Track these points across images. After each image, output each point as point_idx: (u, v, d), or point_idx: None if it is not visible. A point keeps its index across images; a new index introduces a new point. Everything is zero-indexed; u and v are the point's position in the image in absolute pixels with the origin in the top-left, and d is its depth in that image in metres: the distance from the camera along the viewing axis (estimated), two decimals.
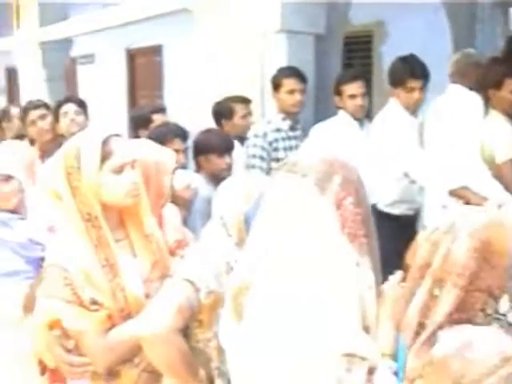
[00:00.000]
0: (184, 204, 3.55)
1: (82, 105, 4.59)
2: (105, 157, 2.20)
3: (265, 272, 1.72)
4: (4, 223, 3.03)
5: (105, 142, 2.21)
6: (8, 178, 3.03)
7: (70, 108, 4.52)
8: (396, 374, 1.67)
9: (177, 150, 3.75)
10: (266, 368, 1.67)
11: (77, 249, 2.19)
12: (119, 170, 2.23)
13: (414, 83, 4.17)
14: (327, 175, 1.76)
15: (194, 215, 3.72)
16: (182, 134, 3.94)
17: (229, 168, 3.93)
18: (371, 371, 1.64)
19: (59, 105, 4.58)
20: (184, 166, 3.93)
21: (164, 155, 2.64)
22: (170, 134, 3.84)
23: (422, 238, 1.72)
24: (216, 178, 3.92)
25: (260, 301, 1.71)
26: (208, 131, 4.21)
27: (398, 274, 1.89)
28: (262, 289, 1.72)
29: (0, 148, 3.33)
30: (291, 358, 1.63)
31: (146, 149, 2.59)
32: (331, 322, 1.62)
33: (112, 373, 2.24)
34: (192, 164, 4.26)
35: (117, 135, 2.29)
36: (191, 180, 3.80)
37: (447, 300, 1.58)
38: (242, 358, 1.76)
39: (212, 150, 3.93)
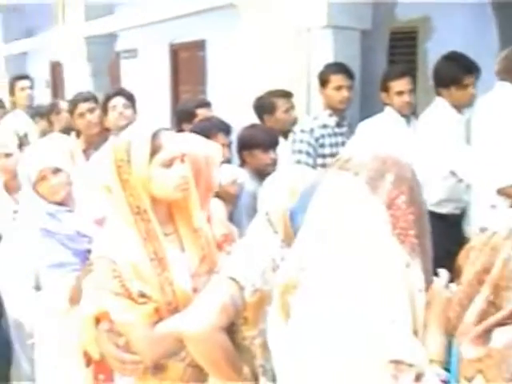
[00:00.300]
0: (230, 199, 3.54)
1: (130, 98, 4.56)
2: (154, 150, 2.21)
3: (313, 271, 1.70)
4: (52, 215, 3.06)
5: (155, 136, 2.22)
6: (56, 170, 3.05)
7: (119, 101, 4.49)
8: (445, 382, 1.63)
9: (221, 145, 3.76)
10: (311, 369, 1.65)
11: (126, 242, 2.20)
12: (169, 164, 2.23)
13: (469, 79, 4.11)
14: (379, 173, 1.73)
15: (240, 210, 3.71)
16: (226, 129, 3.94)
17: (274, 163, 3.91)
18: (418, 378, 1.60)
19: (108, 98, 4.56)
20: (228, 161, 3.93)
21: (212, 149, 2.63)
22: (213, 129, 3.85)
23: (478, 241, 1.67)
24: (260, 174, 3.91)
25: (308, 301, 1.69)
26: (253, 126, 4.20)
27: (444, 275, 1.85)
28: (309, 288, 1.69)
29: (47, 141, 3.36)
30: (337, 361, 1.60)
31: (195, 142, 2.59)
32: (379, 326, 1.59)
33: (158, 366, 2.25)
34: (235, 159, 4.25)
35: (166, 129, 2.30)
36: (238, 175, 3.79)
37: (507, 308, 1.53)
38: (288, 357, 1.74)
39: (257, 145, 3.92)
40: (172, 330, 2.12)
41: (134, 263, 2.17)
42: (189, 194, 2.31)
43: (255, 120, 4.74)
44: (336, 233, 1.70)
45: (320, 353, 1.62)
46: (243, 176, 3.86)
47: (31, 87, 6.20)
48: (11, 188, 3.81)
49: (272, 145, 3.95)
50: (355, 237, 1.66)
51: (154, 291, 2.19)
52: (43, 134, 5.02)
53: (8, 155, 3.80)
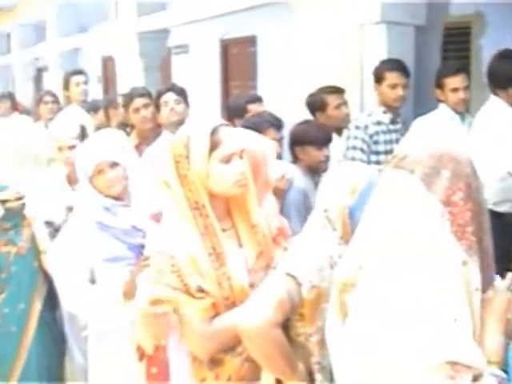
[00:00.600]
0: (278, 194, 3.55)
1: (182, 94, 4.58)
2: (213, 146, 2.22)
3: (371, 270, 1.69)
4: (107, 209, 3.10)
5: (214, 132, 2.23)
6: (113, 164, 3.08)
7: (171, 97, 4.51)
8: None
9: (271, 140, 3.76)
10: (369, 368, 1.65)
11: (184, 236, 2.21)
12: (227, 160, 2.24)
13: None
14: (435, 170, 1.72)
15: (288, 207, 3.71)
16: (277, 124, 3.95)
17: (326, 160, 3.90)
18: (476, 379, 1.58)
19: (159, 94, 4.59)
20: (279, 156, 3.93)
21: (268, 145, 2.64)
22: (265, 123, 3.87)
23: None
24: (313, 170, 3.91)
25: (366, 300, 1.68)
26: (306, 122, 4.19)
27: (510, 277, 1.83)
28: (368, 287, 1.69)
29: (104, 135, 3.40)
30: (394, 361, 1.59)
31: (253, 138, 2.59)
32: (439, 325, 1.57)
33: (215, 361, 2.25)
34: (286, 155, 4.25)
35: (225, 125, 2.30)
36: (286, 170, 3.79)
37: None
38: (345, 356, 1.74)
39: (310, 141, 3.91)
40: (229, 324, 2.14)
41: (192, 258, 2.18)
42: (247, 190, 2.31)
43: (306, 116, 4.72)
44: (393, 231, 1.69)
45: (377, 352, 1.62)
46: (294, 172, 3.86)
47: (86, 82, 6.26)
48: (73, 180, 3.86)
49: (325, 142, 3.94)
50: (412, 235, 1.65)
51: (211, 286, 2.19)
52: (98, 128, 5.06)
53: (71, 147, 3.84)
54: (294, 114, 4.79)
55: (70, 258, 3.16)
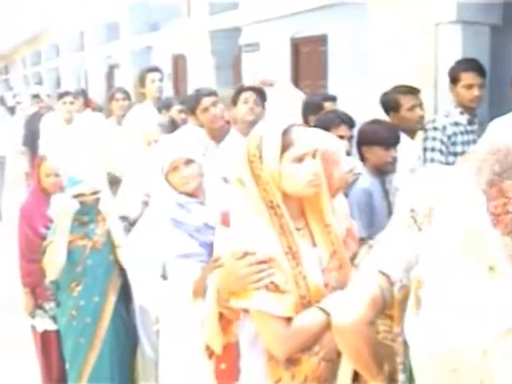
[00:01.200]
0: (343, 188, 3.53)
1: (262, 95, 4.59)
2: (286, 146, 2.21)
3: (436, 266, 1.70)
4: (181, 206, 3.12)
5: (286, 132, 2.23)
6: (188, 161, 3.11)
7: (251, 96, 4.53)
8: None
9: (342, 136, 3.75)
10: (440, 363, 1.65)
11: (262, 235, 2.20)
12: (300, 160, 2.23)
13: None
14: (503, 168, 1.69)
15: (351, 206, 3.69)
16: (349, 121, 3.94)
17: (394, 161, 3.86)
18: None
19: (240, 91, 4.61)
20: (348, 154, 3.91)
21: (340, 145, 2.63)
22: (336, 120, 3.87)
23: None
24: (379, 171, 3.88)
25: (430, 294, 1.69)
26: (375, 122, 4.13)
27: None
28: (431, 281, 1.70)
29: (181, 132, 3.45)
30: (463, 356, 1.60)
31: (326, 138, 2.59)
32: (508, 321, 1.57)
33: (291, 360, 2.24)
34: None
35: (298, 124, 2.30)
36: (354, 165, 3.77)
37: None
38: (420, 352, 1.74)
39: (378, 141, 3.86)
40: (308, 324, 2.16)
41: (273, 257, 2.18)
42: (320, 190, 2.31)
43: (376, 116, 4.68)
44: (455, 230, 1.69)
45: (446, 348, 1.63)
46: (360, 170, 3.83)
47: (161, 80, 6.32)
48: None
49: (393, 142, 3.89)
50: (474, 235, 1.65)
51: (289, 285, 2.19)
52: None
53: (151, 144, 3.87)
54: (365, 113, 4.76)
55: (143, 252, 3.22)
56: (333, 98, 4.83)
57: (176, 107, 5.49)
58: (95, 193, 3.81)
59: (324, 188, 2.33)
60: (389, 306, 1.96)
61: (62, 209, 3.73)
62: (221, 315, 2.40)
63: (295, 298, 2.19)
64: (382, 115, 4.64)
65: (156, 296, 3.19)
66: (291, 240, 2.23)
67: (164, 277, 3.17)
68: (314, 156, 2.27)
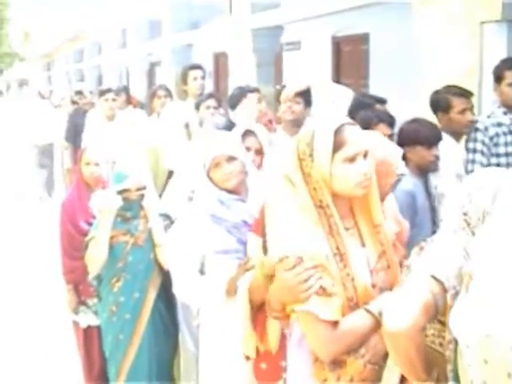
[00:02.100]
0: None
1: (304, 94, 4.51)
2: (338, 146, 2.18)
3: (486, 261, 1.69)
4: (222, 202, 3.11)
5: (338, 131, 2.20)
6: (230, 158, 3.10)
7: (290, 95, 4.48)
8: None
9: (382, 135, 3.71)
10: (475, 353, 1.65)
11: (309, 236, 2.17)
12: (351, 160, 2.20)
13: None
14: None
15: None
16: (389, 120, 3.90)
17: (436, 160, 3.81)
18: None
19: (280, 90, 4.58)
20: None
21: (392, 147, 2.61)
22: (376, 118, 3.83)
23: None
24: (421, 170, 3.84)
25: (478, 286, 1.68)
26: (416, 121, 4.07)
27: None
28: (481, 275, 1.69)
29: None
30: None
31: (377, 139, 2.56)
32: None
33: (337, 362, 2.22)
34: None
35: (350, 123, 2.27)
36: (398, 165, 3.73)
37: None
38: (460, 340, 1.72)
39: (420, 141, 3.81)
40: (355, 326, 2.14)
41: (321, 260, 2.15)
42: (370, 190, 2.27)
43: (419, 115, 4.61)
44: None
45: (482, 336, 1.62)
46: (402, 168, 3.78)
47: (203, 77, 6.32)
48: None
49: (435, 141, 3.85)
50: None
51: (336, 287, 2.17)
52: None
53: None
54: (406, 112, 4.70)
55: (182, 248, 3.23)
56: (383, 101, 4.69)
57: (204, 103, 5.51)
58: (140, 189, 3.82)
59: (374, 188, 2.30)
60: (441, 313, 1.92)
61: (106, 204, 3.75)
62: (256, 321, 2.41)
63: (342, 300, 2.17)
64: (423, 114, 4.58)
65: (194, 291, 3.19)
66: (340, 241, 2.20)
67: (202, 272, 3.18)
68: (365, 156, 2.24)
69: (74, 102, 9.77)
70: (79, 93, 8.51)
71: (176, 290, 3.38)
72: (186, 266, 3.22)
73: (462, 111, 4.28)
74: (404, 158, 3.87)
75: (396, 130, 3.99)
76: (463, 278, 1.79)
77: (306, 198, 2.22)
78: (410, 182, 3.72)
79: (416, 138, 3.83)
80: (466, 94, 4.36)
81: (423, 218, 3.72)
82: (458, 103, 4.28)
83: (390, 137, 3.88)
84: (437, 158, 3.82)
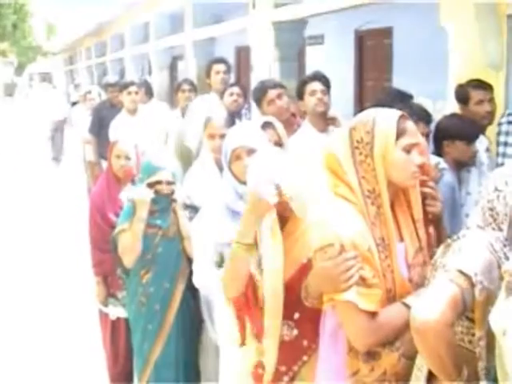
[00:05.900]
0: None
1: (327, 84, 4.52)
2: (398, 134, 2.21)
3: None
4: (240, 195, 3.12)
5: (399, 120, 2.24)
6: (250, 151, 3.08)
7: (317, 87, 4.45)
8: None
9: (420, 134, 3.70)
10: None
11: (355, 225, 2.18)
12: (409, 150, 2.23)
13: None
14: None
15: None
16: (427, 118, 3.85)
17: (474, 156, 3.82)
18: None
19: (305, 82, 4.54)
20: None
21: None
22: (413, 116, 3.80)
23: None
24: (459, 165, 3.84)
25: None
26: (455, 116, 4.07)
27: None
28: None
29: (247, 122, 3.42)
30: None
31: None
32: None
33: (371, 353, 2.23)
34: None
35: (405, 115, 2.30)
36: (438, 160, 3.73)
37: None
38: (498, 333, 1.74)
39: (461, 136, 3.82)
40: (393, 318, 2.15)
41: (363, 249, 2.17)
42: (413, 185, 2.30)
43: (444, 110, 4.61)
44: None
45: None
46: (443, 163, 3.78)
47: (226, 72, 6.31)
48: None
49: (476, 137, 3.86)
50: None
51: (377, 277, 2.18)
52: None
53: (222, 136, 3.78)
54: (430, 107, 4.68)
55: (201, 240, 3.29)
56: (410, 96, 4.66)
57: (228, 91, 5.48)
58: (171, 183, 3.84)
59: (416, 183, 2.32)
60: (469, 309, 1.93)
61: (140, 197, 3.79)
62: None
63: (381, 291, 2.18)
64: (447, 109, 4.58)
65: (210, 282, 3.24)
66: (385, 231, 2.21)
67: (220, 265, 3.19)
68: (419, 148, 2.26)
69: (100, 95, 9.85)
70: (110, 85, 8.52)
71: (195, 280, 3.42)
72: (202, 258, 3.27)
73: (479, 102, 4.30)
74: (441, 152, 3.88)
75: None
76: (503, 276, 1.80)
77: (352, 187, 2.23)
78: (448, 176, 3.73)
79: (457, 134, 3.84)
80: (484, 85, 4.38)
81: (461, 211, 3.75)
82: (475, 94, 4.32)
83: (428, 135, 3.85)
84: (475, 153, 3.84)
